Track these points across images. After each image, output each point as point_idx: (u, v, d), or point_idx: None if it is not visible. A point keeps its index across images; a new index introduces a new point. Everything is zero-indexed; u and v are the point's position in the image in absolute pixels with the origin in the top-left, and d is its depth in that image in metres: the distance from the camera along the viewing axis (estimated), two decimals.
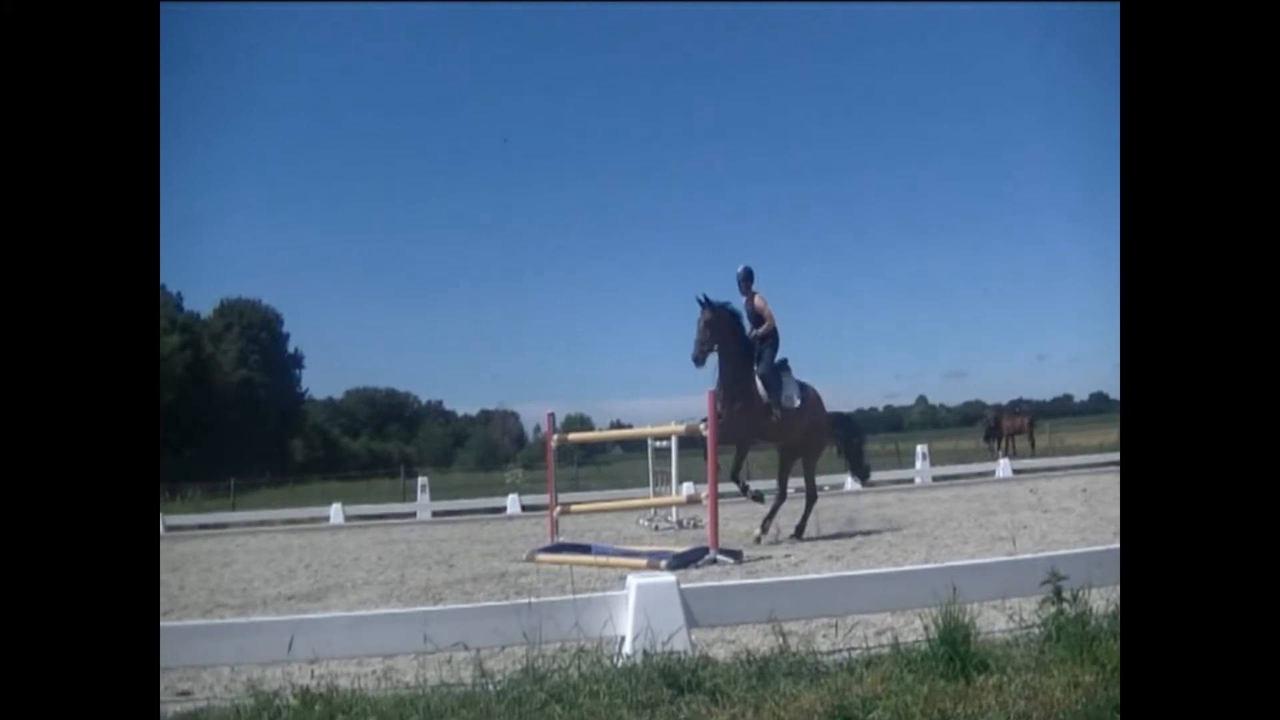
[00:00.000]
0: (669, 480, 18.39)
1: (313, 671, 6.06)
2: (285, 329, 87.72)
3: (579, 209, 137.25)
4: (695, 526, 16.48)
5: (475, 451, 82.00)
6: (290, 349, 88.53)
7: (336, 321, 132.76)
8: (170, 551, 19.10)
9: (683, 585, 6.22)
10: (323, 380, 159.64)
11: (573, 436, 18.30)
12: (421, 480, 28.96)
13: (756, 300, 14.13)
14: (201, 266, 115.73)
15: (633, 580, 6.16)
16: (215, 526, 26.66)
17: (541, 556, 12.64)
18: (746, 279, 14.25)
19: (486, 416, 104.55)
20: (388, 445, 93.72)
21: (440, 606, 8.52)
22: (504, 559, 13.42)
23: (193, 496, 44.06)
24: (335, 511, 25.72)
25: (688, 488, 18.19)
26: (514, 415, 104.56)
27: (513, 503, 24.92)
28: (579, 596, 6.44)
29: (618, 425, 13.04)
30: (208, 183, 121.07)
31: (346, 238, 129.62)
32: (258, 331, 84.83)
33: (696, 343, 13.44)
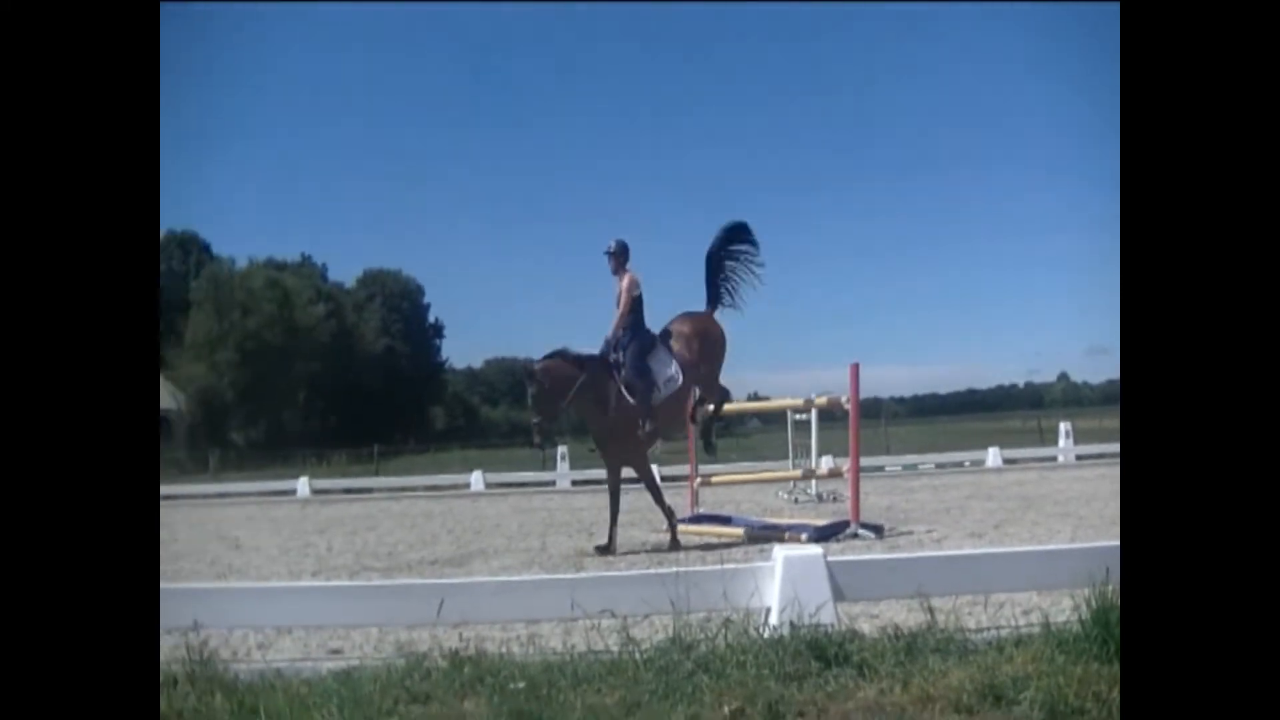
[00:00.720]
0: (808, 453, 18.29)
1: (460, 634, 6.17)
2: (426, 299, 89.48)
3: (713, 183, 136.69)
4: (835, 500, 16.41)
5: None
6: (431, 319, 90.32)
7: (476, 291, 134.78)
8: (318, 514, 19.77)
9: (829, 558, 6.18)
10: (463, 349, 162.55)
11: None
12: (561, 449, 29.09)
13: (625, 280, 11.96)
14: (345, 238, 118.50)
15: (780, 552, 6.11)
16: (360, 491, 27.45)
17: (682, 527, 12.65)
18: (619, 253, 12.05)
19: None
20: (527, 414, 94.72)
21: (587, 574, 8.63)
22: (643, 528, 13.48)
23: (338, 462, 45.53)
24: (476, 479, 26.25)
25: (827, 461, 18.05)
26: None
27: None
28: (726, 567, 6.44)
29: (756, 397, 12.87)
30: (348, 159, 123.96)
31: (485, 210, 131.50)
32: (399, 301, 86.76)
33: (533, 426, 12.25)
